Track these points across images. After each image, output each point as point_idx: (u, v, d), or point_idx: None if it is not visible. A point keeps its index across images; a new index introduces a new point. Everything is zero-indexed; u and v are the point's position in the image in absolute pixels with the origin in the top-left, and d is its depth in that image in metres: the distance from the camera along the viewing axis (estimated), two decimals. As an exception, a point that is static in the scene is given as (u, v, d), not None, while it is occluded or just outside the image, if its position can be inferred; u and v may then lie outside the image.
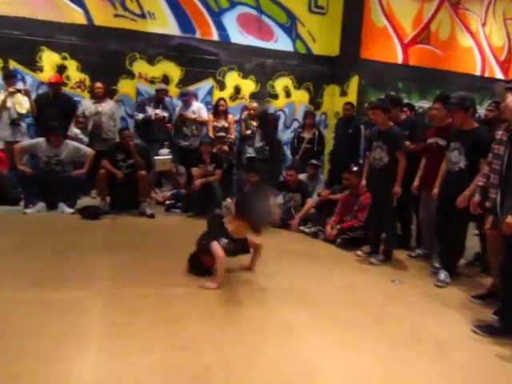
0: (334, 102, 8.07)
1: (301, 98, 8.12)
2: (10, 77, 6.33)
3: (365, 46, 8.10)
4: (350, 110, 6.91)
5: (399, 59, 8.52)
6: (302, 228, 5.64)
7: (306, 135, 6.91)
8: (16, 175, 5.81)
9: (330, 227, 5.24)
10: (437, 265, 4.21)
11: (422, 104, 8.29)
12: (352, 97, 7.98)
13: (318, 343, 2.69)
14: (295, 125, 8.02)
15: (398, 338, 2.83)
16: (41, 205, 5.61)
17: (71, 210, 5.63)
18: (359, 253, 4.71)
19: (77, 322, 2.67)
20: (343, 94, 8.05)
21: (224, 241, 3.56)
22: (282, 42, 7.98)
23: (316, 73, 8.14)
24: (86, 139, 6.48)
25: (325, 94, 8.28)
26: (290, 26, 8.00)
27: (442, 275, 3.97)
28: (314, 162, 6.37)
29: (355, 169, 5.23)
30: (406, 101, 6.81)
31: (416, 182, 4.45)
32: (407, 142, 4.65)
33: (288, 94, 8.10)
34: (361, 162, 6.24)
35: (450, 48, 8.79)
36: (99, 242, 4.48)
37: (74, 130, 6.45)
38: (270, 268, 4.10)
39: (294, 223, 5.65)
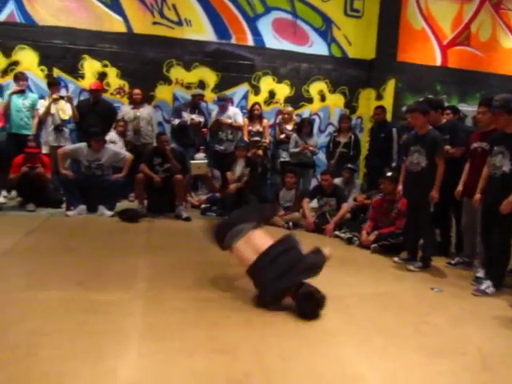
0: (370, 105, 7.97)
1: (336, 101, 8.07)
2: (54, 84, 6.60)
3: (402, 49, 7.98)
4: (381, 113, 6.79)
5: (438, 61, 8.34)
6: (336, 233, 5.60)
7: (342, 139, 6.85)
8: (59, 179, 6.05)
9: (365, 233, 5.17)
10: (479, 274, 4.08)
11: (462, 107, 8.06)
12: (388, 100, 7.87)
13: (358, 352, 2.66)
14: (330, 129, 7.98)
15: (440, 349, 2.75)
16: (82, 207, 5.80)
17: (110, 213, 5.80)
18: (396, 259, 4.63)
19: (119, 323, 2.75)
20: (379, 97, 7.95)
21: None
22: (317, 46, 7.97)
23: (351, 76, 8.08)
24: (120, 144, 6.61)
25: (360, 97, 8.20)
26: (326, 30, 7.98)
27: (484, 285, 3.83)
28: (350, 166, 6.31)
29: (389, 174, 5.15)
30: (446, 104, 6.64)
31: (459, 188, 4.33)
32: (447, 147, 4.55)
33: (323, 98, 8.07)
34: (394, 164, 6.15)
35: (491, 49, 8.53)
36: (138, 245, 4.59)
37: (111, 134, 6.61)
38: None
39: (329, 228, 5.61)
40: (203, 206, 6.45)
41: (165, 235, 5.16)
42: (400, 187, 4.68)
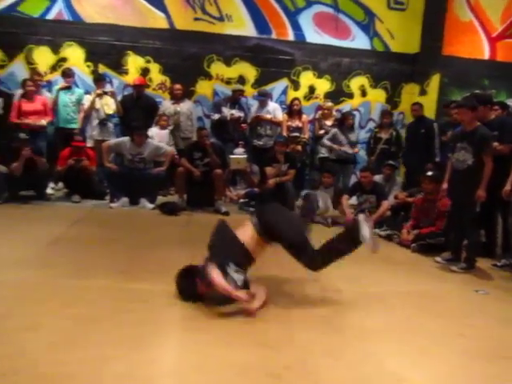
0: (413, 101, 7.70)
1: (377, 97, 7.92)
2: (100, 80, 6.81)
3: (448, 42, 7.72)
4: (419, 110, 6.58)
5: (486, 55, 8.02)
6: (375, 230, 5.47)
7: (383, 135, 6.71)
8: (103, 171, 6.25)
9: (406, 231, 5.06)
10: (527, 276, 3.92)
11: (511, 103, 7.71)
12: (432, 96, 7.64)
13: (400, 351, 2.61)
14: (370, 125, 7.83)
15: (486, 353, 2.66)
16: (124, 200, 5.97)
17: (152, 206, 5.93)
18: (438, 259, 4.50)
19: (161, 313, 2.82)
20: (423, 92, 7.73)
21: (234, 274, 2.83)
22: (358, 40, 7.84)
23: (394, 71, 7.90)
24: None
25: (403, 92, 8.00)
26: (368, 24, 7.83)
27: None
28: (390, 162, 6.17)
29: (429, 173, 5.00)
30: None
31: (508, 187, 4.14)
32: (495, 143, 4.36)
33: (364, 93, 7.93)
34: (437, 160, 5.96)
35: (543, 42, 8.12)
36: (179, 237, 4.69)
37: (153, 129, 6.74)
38: (344, 270, 4.02)
39: (369, 226, 5.51)
40: (241, 200, 6.49)
41: (204, 229, 5.14)
42: (445, 186, 4.54)
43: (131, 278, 3.35)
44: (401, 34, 7.90)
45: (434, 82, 7.72)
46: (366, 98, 7.94)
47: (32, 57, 7.07)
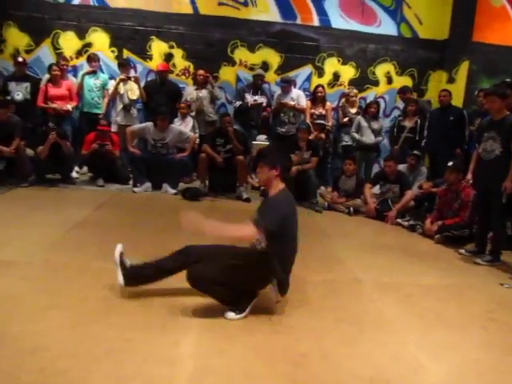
0: (440, 89, 7.55)
1: (403, 84, 7.70)
2: (124, 65, 6.84)
3: (478, 28, 7.46)
4: (448, 97, 6.36)
5: (518, 42, 7.72)
6: (398, 221, 5.43)
7: (407, 124, 6.57)
8: (127, 156, 6.33)
9: (429, 222, 4.99)
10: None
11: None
12: (460, 84, 7.44)
13: (419, 342, 2.59)
14: (396, 113, 7.68)
15: (508, 349, 2.62)
16: (147, 185, 6.04)
17: (174, 191, 5.99)
18: (462, 251, 4.43)
19: (183, 296, 2.85)
20: (451, 80, 7.53)
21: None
22: (385, 26, 7.66)
23: (421, 58, 7.70)
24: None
25: (430, 80, 7.80)
26: (395, 9, 7.64)
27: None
28: (415, 152, 6.06)
29: (450, 163, 4.89)
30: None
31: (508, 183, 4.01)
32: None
33: (389, 81, 7.77)
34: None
35: None
36: (200, 223, 4.71)
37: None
38: (365, 260, 4.03)
39: (391, 215, 5.46)
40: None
41: (225, 215, 5.24)
42: (469, 176, 4.43)
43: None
44: (429, 19, 7.67)
45: (463, 69, 7.50)
46: (391, 85, 7.77)
47: (58, 42, 7.16)
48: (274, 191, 2.81)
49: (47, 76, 6.47)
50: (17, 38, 7.13)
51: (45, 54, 7.16)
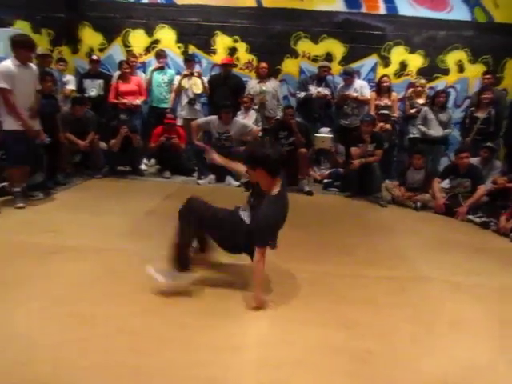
0: (518, 76, 7.08)
1: (476, 73, 7.26)
2: (189, 60, 7.02)
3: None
4: None
5: None
6: (470, 217, 5.17)
7: (480, 114, 6.20)
8: (191, 149, 6.51)
9: (504, 219, 4.71)
10: None
11: None
12: (541, 71, 6.89)
13: (496, 348, 2.46)
14: (468, 103, 7.26)
15: None
16: (211, 177, 6.19)
17: (237, 183, 6.09)
18: (542, 251, 4.14)
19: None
20: (529, 67, 6.99)
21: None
22: (457, 12, 7.24)
23: (497, 44, 7.17)
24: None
25: (507, 67, 7.28)
26: (469, -7, 7.20)
27: None
28: (489, 145, 5.71)
29: None
30: None
31: None
32: None
33: (461, 69, 7.35)
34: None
35: None
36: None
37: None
38: (433, 257, 3.89)
39: (462, 211, 5.20)
40: (325, 180, 6.43)
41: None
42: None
43: (222, 252, 3.47)
44: (507, 1, 7.15)
45: (544, 55, 6.95)
46: (463, 74, 7.35)
47: (128, 40, 7.49)
48: (268, 191, 2.74)
49: (118, 73, 6.80)
50: (91, 38, 7.56)
51: (116, 51, 7.52)
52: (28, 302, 2.58)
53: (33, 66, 4.61)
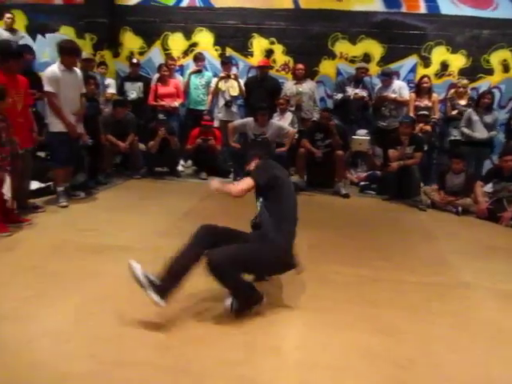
0: None
1: (523, 72, 6.99)
2: (225, 63, 7.08)
3: None
4: None
5: None
6: (513, 222, 4.96)
7: (527, 115, 5.95)
8: (228, 151, 6.56)
9: (553, 225, 4.48)
10: None
11: None
12: None
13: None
14: (513, 105, 6.99)
15: None
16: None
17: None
18: None
19: (284, 291, 2.91)
20: None
21: None
22: (503, 9, 6.95)
23: (546, 42, 6.88)
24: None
25: (556, 67, 6.96)
26: (516, -11, 6.91)
27: None
28: (536, 147, 5.47)
29: None
30: None
31: None
32: None
33: (506, 69, 7.07)
34: None
35: None
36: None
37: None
38: (476, 263, 3.75)
39: (506, 216, 5.00)
40: (362, 183, 6.33)
41: (324, 210, 5.24)
42: None
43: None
44: (555, -2, 6.84)
45: None
46: (508, 73, 7.07)
47: (167, 43, 7.64)
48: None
49: (157, 75, 6.94)
50: (131, 42, 7.75)
51: (155, 55, 7.68)
52: (67, 299, 2.67)
53: (78, 70, 4.79)
